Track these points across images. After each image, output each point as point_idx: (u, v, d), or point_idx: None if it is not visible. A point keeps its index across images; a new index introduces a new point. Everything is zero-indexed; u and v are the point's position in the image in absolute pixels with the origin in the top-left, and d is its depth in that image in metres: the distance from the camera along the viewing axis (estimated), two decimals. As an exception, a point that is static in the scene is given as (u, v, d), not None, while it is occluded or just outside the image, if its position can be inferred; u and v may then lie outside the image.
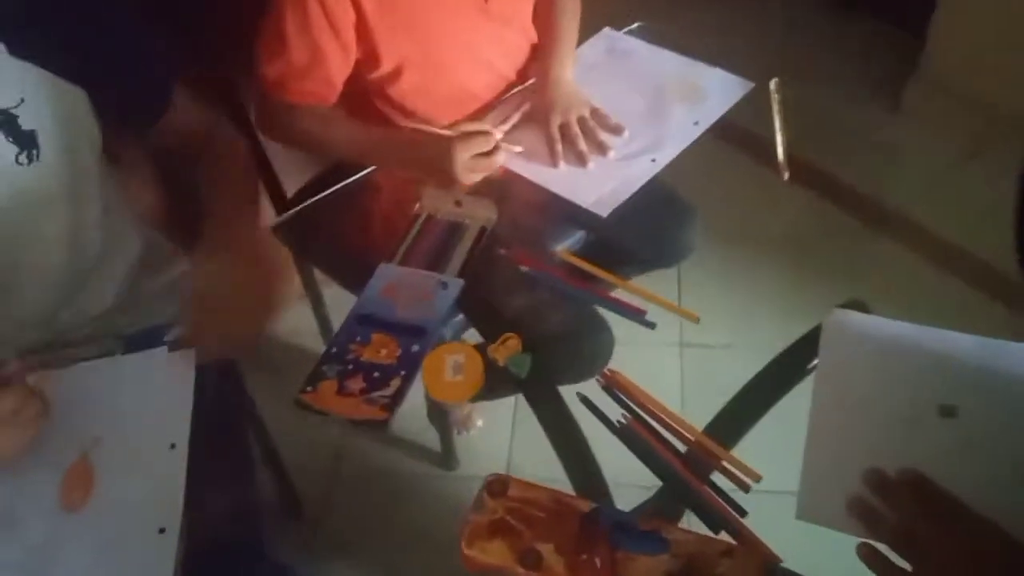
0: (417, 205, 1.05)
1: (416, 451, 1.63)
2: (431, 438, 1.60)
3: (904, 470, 0.71)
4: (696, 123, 1.14)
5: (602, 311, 1.01)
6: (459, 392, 0.85)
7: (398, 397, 0.84)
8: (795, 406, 0.82)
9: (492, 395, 1.43)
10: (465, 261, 0.98)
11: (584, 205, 1.04)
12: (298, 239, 1.40)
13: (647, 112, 1.17)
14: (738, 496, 0.75)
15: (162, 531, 0.73)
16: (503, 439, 1.60)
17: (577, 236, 1.17)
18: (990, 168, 1.97)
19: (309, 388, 0.85)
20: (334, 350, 0.88)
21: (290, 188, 1.40)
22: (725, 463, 0.76)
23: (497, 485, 0.72)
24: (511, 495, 0.71)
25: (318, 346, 1.72)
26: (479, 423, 1.64)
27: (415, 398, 1.44)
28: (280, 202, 1.40)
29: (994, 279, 1.72)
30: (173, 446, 0.79)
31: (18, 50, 0.81)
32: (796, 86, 1.21)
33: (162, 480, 0.77)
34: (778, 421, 0.83)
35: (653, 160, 1.09)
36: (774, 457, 0.79)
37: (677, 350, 1.72)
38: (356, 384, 0.85)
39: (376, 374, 0.86)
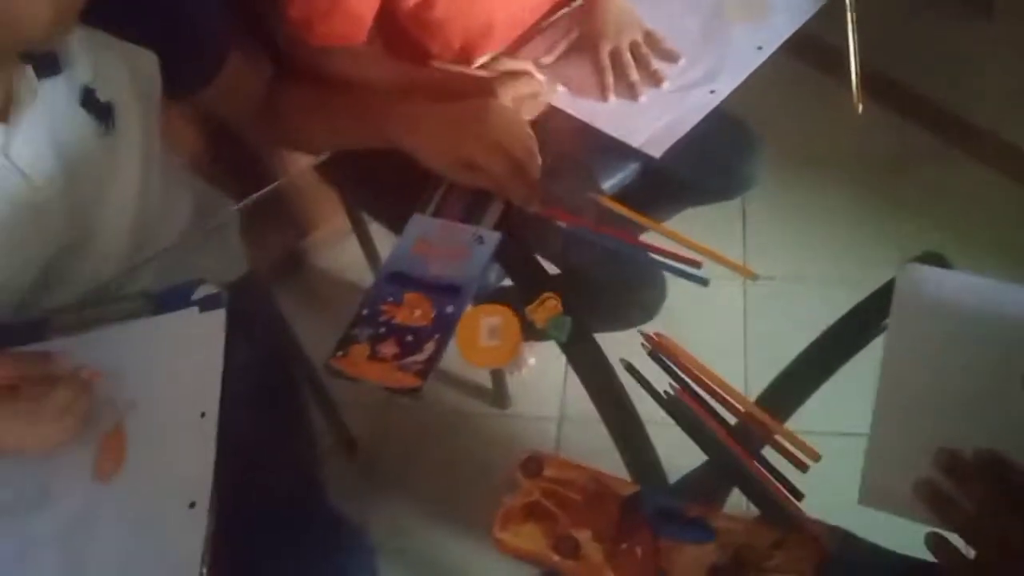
0: None
1: (469, 389, 1.62)
2: (483, 376, 1.58)
3: (980, 450, 0.64)
4: (760, 48, 1.04)
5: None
6: (495, 358, 0.80)
7: (432, 362, 0.79)
8: (862, 372, 0.76)
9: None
10: (503, 211, 0.91)
11: (635, 145, 0.97)
12: (341, 178, 1.36)
13: (704, 35, 1.07)
14: (795, 476, 0.69)
15: (192, 505, 0.72)
16: (556, 378, 1.56)
17: (629, 169, 1.09)
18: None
19: (340, 353, 0.81)
20: (365, 312, 0.84)
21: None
22: (779, 438, 0.70)
23: (532, 464, 0.68)
24: (547, 475, 0.67)
25: (367, 279, 1.70)
26: (531, 362, 1.61)
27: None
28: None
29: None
30: (203, 415, 0.77)
31: (89, 19, 0.78)
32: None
33: (192, 451, 0.75)
34: (842, 389, 0.76)
35: (712, 91, 1.00)
36: (836, 428, 0.73)
37: (740, 283, 1.64)
38: (389, 349, 0.81)
39: (409, 338, 0.81)
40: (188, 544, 0.70)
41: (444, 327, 0.82)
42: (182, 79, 0.91)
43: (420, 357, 0.80)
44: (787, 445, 0.69)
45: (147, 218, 0.95)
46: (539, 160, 0.90)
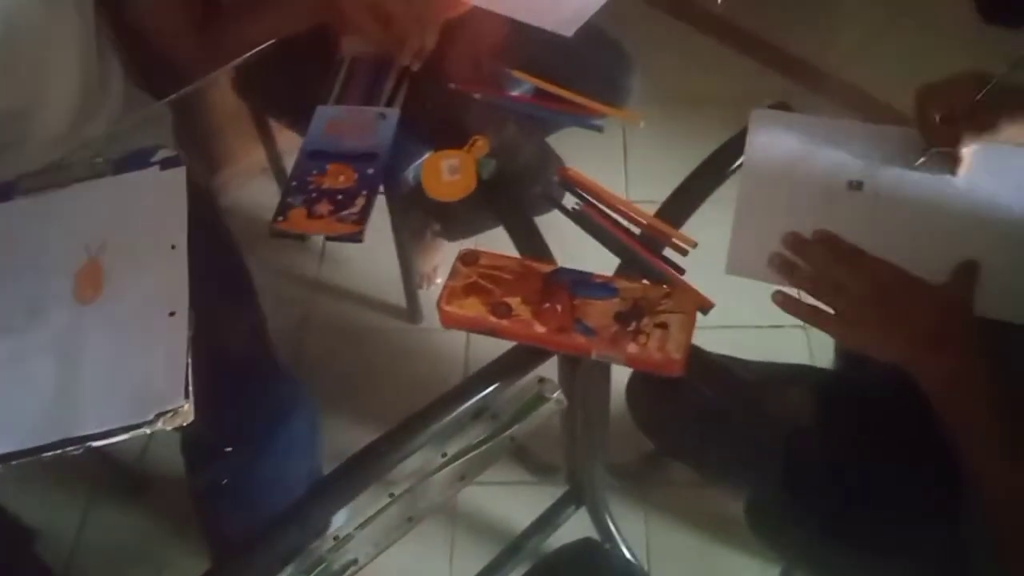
0: (339, 54, 1.11)
1: (383, 307, 1.74)
2: (396, 294, 1.70)
3: (816, 230, 0.83)
4: None
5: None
6: (457, 190, 0.94)
7: (365, 213, 0.92)
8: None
9: (464, 230, 1.51)
10: (393, 90, 1.06)
11: (547, 27, 1.11)
12: (250, 91, 1.46)
13: None
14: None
15: (172, 314, 0.82)
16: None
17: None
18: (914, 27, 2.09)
19: (280, 218, 0.93)
20: (295, 183, 0.96)
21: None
22: (674, 240, 0.87)
23: (469, 256, 0.82)
24: (482, 263, 0.82)
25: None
26: (438, 281, 1.74)
27: (383, 256, 1.53)
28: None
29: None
30: (174, 247, 0.87)
31: None
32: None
33: (167, 274, 0.85)
34: (713, 210, 0.94)
35: None
36: (707, 240, 0.90)
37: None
38: (324, 208, 0.93)
39: (340, 197, 0.94)
40: (172, 344, 0.80)
41: (370, 185, 0.95)
42: None
43: (354, 210, 0.93)
44: (676, 241, 0.86)
45: (87, 89, 1.02)
46: (438, 24, 1.03)
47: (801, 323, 0.76)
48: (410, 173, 1.30)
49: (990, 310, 0.77)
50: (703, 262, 0.87)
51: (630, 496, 1.45)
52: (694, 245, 0.86)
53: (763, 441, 0.96)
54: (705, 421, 0.98)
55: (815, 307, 0.77)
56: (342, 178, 0.96)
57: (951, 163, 0.88)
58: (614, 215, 0.89)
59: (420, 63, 1.06)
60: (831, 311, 0.76)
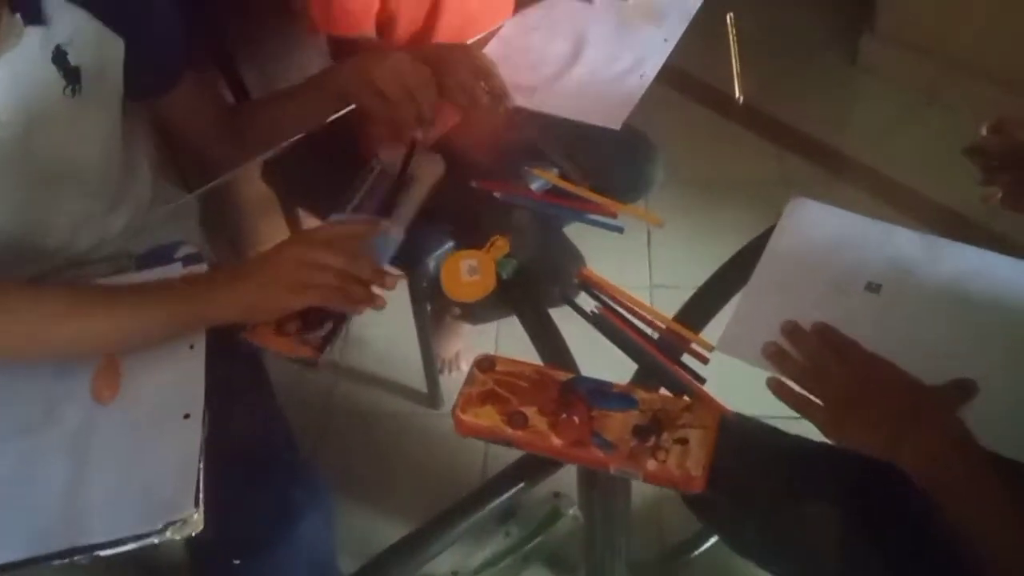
0: (374, 159, 1.11)
1: (404, 392, 1.73)
2: (417, 379, 1.69)
3: (816, 323, 0.81)
4: (665, 40, 1.23)
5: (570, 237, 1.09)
6: (476, 291, 0.93)
7: (329, 338, 0.89)
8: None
9: (485, 317, 1.50)
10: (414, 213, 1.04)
11: (595, 122, 1.12)
12: (279, 180, 1.48)
13: (619, 38, 1.26)
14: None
15: (187, 416, 0.82)
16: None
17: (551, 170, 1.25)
18: (947, 113, 2.09)
19: (249, 327, 0.90)
20: None
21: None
22: (694, 345, 0.85)
23: (486, 362, 0.81)
24: (498, 370, 0.80)
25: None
26: (463, 366, 1.73)
27: (405, 340, 1.53)
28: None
29: (954, 221, 1.83)
30: (192, 347, 0.87)
31: None
32: (753, 43, 1.29)
33: (183, 374, 0.85)
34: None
35: (641, 75, 1.18)
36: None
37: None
38: (293, 325, 0.90)
39: (311, 316, 0.90)
40: (185, 448, 0.79)
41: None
42: (140, 81, 1.00)
43: (320, 333, 0.90)
44: (697, 348, 0.85)
45: (109, 187, 1.02)
46: (432, 91, 1.04)
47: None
48: (431, 261, 1.31)
49: (992, 442, 0.71)
50: (727, 361, 0.85)
51: (650, 596, 1.41)
52: (711, 350, 0.84)
53: (788, 549, 0.93)
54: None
55: (805, 396, 0.75)
56: None
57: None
58: (633, 319, 0.88)
59: (426, 136, 1.06)
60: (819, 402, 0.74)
